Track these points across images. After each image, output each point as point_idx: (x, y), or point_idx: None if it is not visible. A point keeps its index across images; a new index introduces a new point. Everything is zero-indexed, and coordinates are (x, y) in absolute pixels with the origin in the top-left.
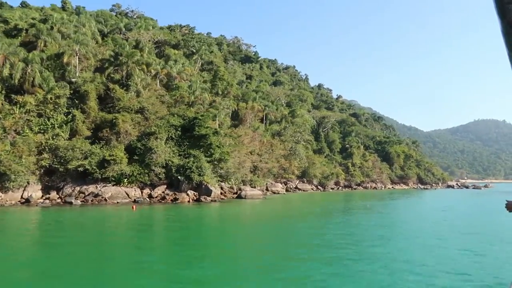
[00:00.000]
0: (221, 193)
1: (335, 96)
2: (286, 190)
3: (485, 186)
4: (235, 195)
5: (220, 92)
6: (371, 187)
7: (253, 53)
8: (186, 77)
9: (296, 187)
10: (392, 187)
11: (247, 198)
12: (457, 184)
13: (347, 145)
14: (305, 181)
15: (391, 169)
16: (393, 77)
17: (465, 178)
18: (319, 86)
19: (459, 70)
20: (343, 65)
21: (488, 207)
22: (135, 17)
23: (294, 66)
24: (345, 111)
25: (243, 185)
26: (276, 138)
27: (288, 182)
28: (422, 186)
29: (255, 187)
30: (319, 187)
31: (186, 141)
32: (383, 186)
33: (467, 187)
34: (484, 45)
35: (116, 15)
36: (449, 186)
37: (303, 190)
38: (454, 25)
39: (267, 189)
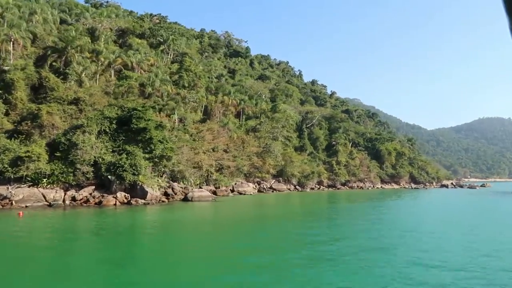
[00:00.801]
0: (167, 195)
1: (330, 93)
2: (259, 191)
3: (482, 186)
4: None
5: (187, 85)
6: (357, 186)
7: (244, 48)
8: (148, 68)
9: (270, 187)
10: (381, 187)
11: (194, 200)
12: (452, 183)
13: (333, 142)
14: (281, 181)
15: (382, 168)
16: (397, 75)
17: (468, 177)
18: (313, 82)
19: (464, 67)
20: (347, 64)
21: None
22: (108, 6)
23: (287, 62)
24: (338, 107)
25: (206, 185)
26: (251, 134)
27: (262, 182)
28: (414, 186)
29: (218, 187)
30: (297, 187)
31: (122, 136)
32: (372, 186)
33: (461, 187)
34: (490, 42)
35: (83, 4)
36: (443, 186)
37: (278, 191)
38: (460, 21)
39: (232, 190)
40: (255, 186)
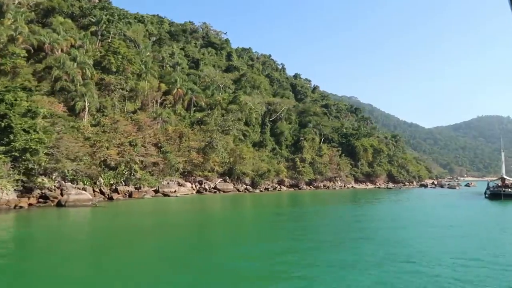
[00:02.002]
0: (45, 198)
1: (313, 87)
2: (198, 191)
3: (467, 185)
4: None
5: (115, 70)
6: (324, 186)
7: (223, 40)
8: (67, 49)
9: (215, 188)
10: (352, 187)
11: (68, 205)
12: (432, 183)
13: (301, 138)
14: (230, 180)
15: (357, 166)
16: (395, 74)
17: (465, 175)
18: (295, 76)
19: (463, 66)
20: (345, 63)
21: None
22: None
23: (269, 55)
24: (318, 102)
25: (124, 185)
26: (196, 127)
27: (205, 182)
28: (390, 186)
29: (139, 188)
30: (248, 187)
31: None
32: (343, 185)
33: (442, 186)
34: (489, 40)
35: None
36: (422, 185)
37: (223, 191)
38: (459, 20)
39: (156, 191)
40: (195, 186)
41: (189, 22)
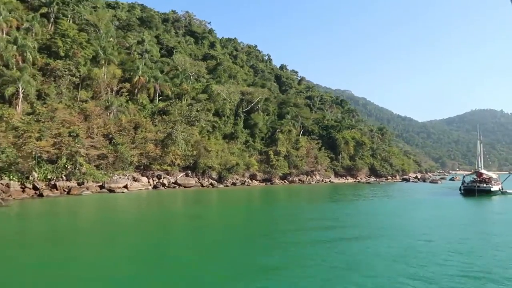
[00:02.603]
0: None
1: (299, 79)
2: (155, 187)
3: (452, 179)
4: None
5: (63, 54)
6: (300, 181)
7: (206, 30)
8: (8, 31)
9: (175, 182)
10: (330, 181)
11: None
12: (416, 177)
13: (278, 130)
14: (193, 174)
15: (337, 159)
16: (390, 68)
17: (457, 169)
18: (281, 68)
19: (458, 60)
20: (340, 57)
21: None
22: None
23: (255, 46)
24: (302, 93)
25: (66, 180)
26: (157, 117)
27: (165, 176)
28: (374, 179)
29: (82, 183)
30: (213, 182)
31: None
32: (321, 180)
33: (424, 181)
34: (484, 35)
35: None
36: (404, 179)
37: (185, 186)
38: (453, 15)
39: (102, 187)
40: (152, 181)
41: (172, 11)
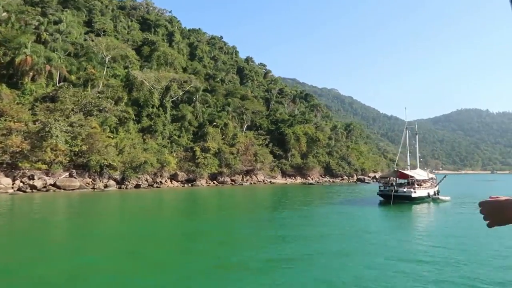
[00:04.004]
0: None
1: (265, 72)
2: (21, 189)
3: None
4: None
5: None
6: (232, 181)
7: (168, 19)
8: None
9: (54, 184)
10: (270, 182)
11: None
12: (374, 177)
13: (214, 123)
14: (85, 174)
15: (286, 157)
16: (378, 68)
17: (440, 168)
18: (247, 60)
19: (445, 60)
20: (327, 56)
21: None
22: None
23: (221, 37)
24: (262, 86)
25: None
26: (41, 105)
27: (41, 177)
28: (328, 179)
29: None
30: (108, 183)
31: None
32: (262, 181)
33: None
34: (470, 35)
35: None
36: (359, 180)
37: (65, 189)
38: (439, 14)
39: None
40: (18, 184)
41: None
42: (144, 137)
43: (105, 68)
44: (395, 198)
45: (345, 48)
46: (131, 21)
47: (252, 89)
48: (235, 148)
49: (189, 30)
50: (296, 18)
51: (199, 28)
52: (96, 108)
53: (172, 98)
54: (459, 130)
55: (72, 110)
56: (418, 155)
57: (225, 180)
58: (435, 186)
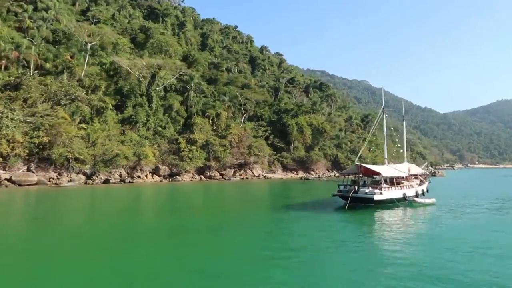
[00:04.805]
0: None
1: (291, 63)
2: None
3: (433, 175)
4: None
5: None
6: (221, 176)
7: (181, 9)
8: None
9: (10, 179)
10: (265, 176)
11: None
12: None
13: (207, 113)
14: (49, 168)
15: (289, 150)
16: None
17: (476, 162)
18: (261, 50)
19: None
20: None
21: None
22: None
23: (235, 26)
24: (273, 75)
25: None
26: (4, 93)
27: None
28: (335, 174)
29: None
30: (72, 178)
31: None
32: (258, 175)
33: None
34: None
35: None
36: None
37: (20, 184)
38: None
39: None
40: None
41: None
42: (123, 128)
43: (87, 56)
44: (355, 201)
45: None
46: (135, 10)
47: (261, 79)
48: (227, 140)
49: (202, 20)
50: (329, 10)
51: (213, 18)
52: (67, 97)
53: (159, 87)
54: (498, 122)
55: (39, 99)
56: (405, 144)
57: (213, 174)
58: (422, 185)
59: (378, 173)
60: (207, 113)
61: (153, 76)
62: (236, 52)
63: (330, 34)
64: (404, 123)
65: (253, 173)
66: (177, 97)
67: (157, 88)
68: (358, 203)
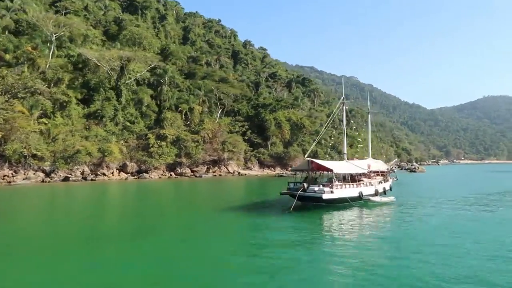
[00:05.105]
0: None
1: (283, 60)
2: None
3: (412, 171)
4: None
5: None
6: (192, 173)
7: (162, 2)
8: None
9: None
10: (239, 173)
11: None
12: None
13: (180, 108)
14: (2, 165)
15: (266, 146)
16: (403, 59)
17: (462, 158)
18: (245, 45)
19: (470, 44)
20: (352, 46)
21: None
22: None
23: (219, 20)
24: (254, 69)
25: None
26: None
27: None
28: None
29: None
30: (30, 174)
31: None
32: (233, 172)
33: None
34: (497, 16)
35: None
36: None
37: None
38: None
39: None
40: None
41: None
42: (88, 123)
43: (53, 47)
44: (304, 200)
45: (380, 37)
46: (114, 1)
47: (242, 73)
48: (200, 135)
49: (185, 14)
50: (318, 7)
51: (196, 12)
52: (25, 90)
53: (130, 80)
54: (485, 118)
55: None
56: (369, 139)
57: (184, 171)
58: (384, 183)
59: (329, 170)
60: (180, 108)
61: (122, 69)
62: (219, 46)
63: (322, 31)
64: (370, 116)
65: (227, 169)
66: (147, 90)
67: (127, 82)
68: (308, 203)
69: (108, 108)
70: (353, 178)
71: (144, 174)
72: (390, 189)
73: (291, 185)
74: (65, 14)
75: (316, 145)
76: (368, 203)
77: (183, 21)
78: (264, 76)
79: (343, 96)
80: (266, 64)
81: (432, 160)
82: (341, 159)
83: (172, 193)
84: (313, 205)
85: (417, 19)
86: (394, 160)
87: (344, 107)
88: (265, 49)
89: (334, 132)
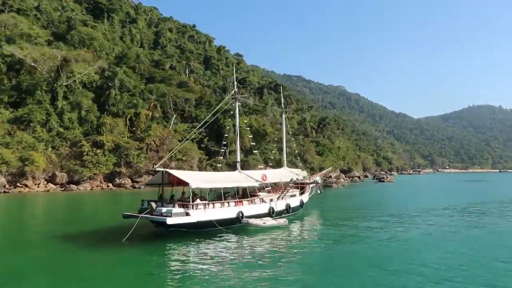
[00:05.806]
0: None
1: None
2: None
3: (380, 180)
4: None
5: None
6: (133, 182)
7: (133, 5)
8: None
9: None
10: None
11: None
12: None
13: (125, 112)
14: None
15: (224, 154)
16: (388, 67)
17: (447, 167)
18: (219, 50)
19: (456, 56)
20: (335, 53)
21: None
22: None
23: (194, 26)
24: (227, 74)
25: None
26: None
27: None
28: None
29: None
30: None
31: None
32: None
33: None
34: (483, 25)
35: None
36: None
37: None
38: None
39: None
40: None
41: None
42: (12, 128)
43: None
44: (157, 224)
45: (352, 47)
46: (81, 5)
47: (209, 78)
48: (145, 143)
49: (159, 19)
50: (303, 14)
51: (171, 17)
52: None
53: (68, 82)
54: (470, 127)
55: None
56: (284, 143)
57: (124, 182)
58: (290, 198)
59: (185, 183)
60: (126, 113)
61: (58, 70)
62: (190, 51)
63: (312, 41)
64: (284, 115)
65: None
66: (88, 94)
67: (64, 84)
68: (161, 228)
69: (37, 112)
70: (245, 194)
71: (72, 185)
72: (301, 205)
73: (143, 205)
74: (9, 12)
75: (280, 153)
76: (249, 228)
77: (156, 26)
78: (230, 80)
79: (235, 89)
80: (238, 70)
81: (413, 169)
82: (305, 168)
83: (78, 207)
84: (168, 232)
85: (411, 31)
86: (326, 170)
87: (237, 104)
88: (240, 55)
89: (306, 140)
